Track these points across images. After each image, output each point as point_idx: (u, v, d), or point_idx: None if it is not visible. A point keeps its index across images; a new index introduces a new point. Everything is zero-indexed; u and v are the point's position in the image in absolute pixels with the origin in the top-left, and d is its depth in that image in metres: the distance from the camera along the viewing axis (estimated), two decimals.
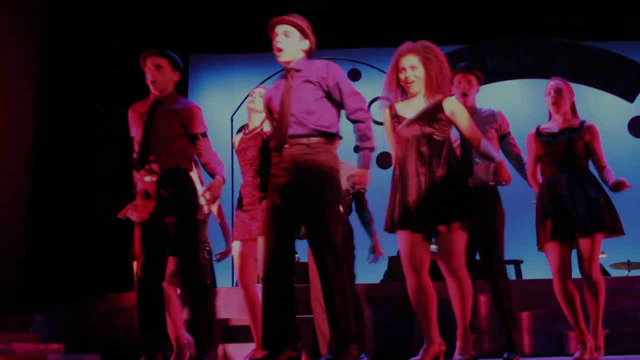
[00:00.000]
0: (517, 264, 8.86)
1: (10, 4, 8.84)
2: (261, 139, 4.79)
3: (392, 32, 10.79)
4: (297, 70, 3.92)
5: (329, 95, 3.89)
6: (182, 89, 10.73)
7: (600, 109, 10.81)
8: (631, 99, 10.27)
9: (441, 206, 3.77)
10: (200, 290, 4.26)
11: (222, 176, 4.29)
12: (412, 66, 3.95)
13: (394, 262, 7.15)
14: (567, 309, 4.61)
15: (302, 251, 4.73)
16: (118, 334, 6.74)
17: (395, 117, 4.05)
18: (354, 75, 10.47)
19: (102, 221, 9.58)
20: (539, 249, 4.70)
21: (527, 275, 8.04)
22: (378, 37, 10.79)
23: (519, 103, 10.89)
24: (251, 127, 5.06)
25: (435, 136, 3.91)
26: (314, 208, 3.70)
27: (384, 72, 10.05)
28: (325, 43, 10.44)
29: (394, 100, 4.09)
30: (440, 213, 3.78)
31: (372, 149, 3.93)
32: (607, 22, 10.68)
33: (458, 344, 4.03)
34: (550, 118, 4.76)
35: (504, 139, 4.88)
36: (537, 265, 8.84)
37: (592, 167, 4.74)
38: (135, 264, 4.57)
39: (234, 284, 7.75)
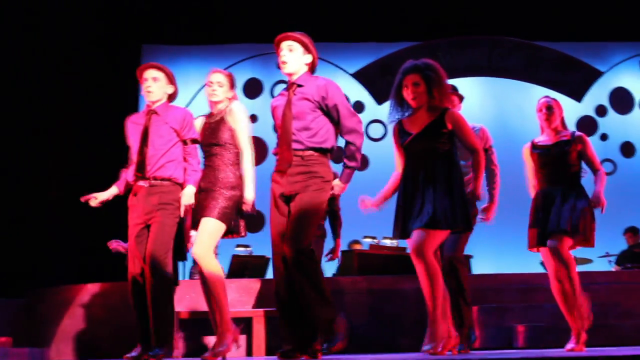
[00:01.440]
0: (467, 259, 9.01)
1: None
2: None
3: (347, 27, 10.86)
4: (299, 85, 4.23)
5: (326, 114, 4.20)
6: (133, 79, 10.69)
7: None
8: (579, 99, 10.52)
9: (439, 214, 4.05)
10: (168, 283, 4.48)
11: (194, 185, 4.51)
12: (415, 83, 4.23)
13: (346, 256, 7.25)
14: (563, 307, 4.86)
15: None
16: (66, 327, 6.66)
17: (403, 133, 4.30)
18: None
19: (52, 213, 9.45)
20: (529, 249, 5.00)
21: (476, 270, 8.17)
22: (333, 31, 10.81)
23: (471, 101, 11.01)
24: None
25: (439, 149, 4.20)
26: (298, 212, 4.05)
27: (337, 67, 10.34)
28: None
29: (401, 116, 4.36)
30: (440, 220, 4.05)
31: (355, 169, 4.27)
32: (557, 23, 10.89)
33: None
34: (542, 132, 5.10)
35: (485, 153, 5.16)
36: (487, 261, 9.04)
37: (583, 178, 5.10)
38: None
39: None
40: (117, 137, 9.90)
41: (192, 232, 4.58)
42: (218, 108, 4.64)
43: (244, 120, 4.56)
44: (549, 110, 4.98)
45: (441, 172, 4.14)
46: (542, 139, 5.03)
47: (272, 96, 10.50)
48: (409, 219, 4.15)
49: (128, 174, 4.70)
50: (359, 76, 10.27)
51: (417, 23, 10.85)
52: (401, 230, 4.20)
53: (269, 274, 7.61)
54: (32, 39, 9.52)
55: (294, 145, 4.12)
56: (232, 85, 4.68)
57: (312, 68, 4.34)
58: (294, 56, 4.24)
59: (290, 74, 4.27)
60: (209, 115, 4.68)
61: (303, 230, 4.01)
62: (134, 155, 4.60)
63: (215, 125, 4.55)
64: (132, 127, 4.68)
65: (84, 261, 9.16)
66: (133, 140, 4.64)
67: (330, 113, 4.18)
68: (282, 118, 4.20)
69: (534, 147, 5.01)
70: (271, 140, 9.35)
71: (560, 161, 4.89)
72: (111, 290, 6.55)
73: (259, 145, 10.06)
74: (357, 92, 10.48)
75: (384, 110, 10.21)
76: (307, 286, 3.96)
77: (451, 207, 4.07)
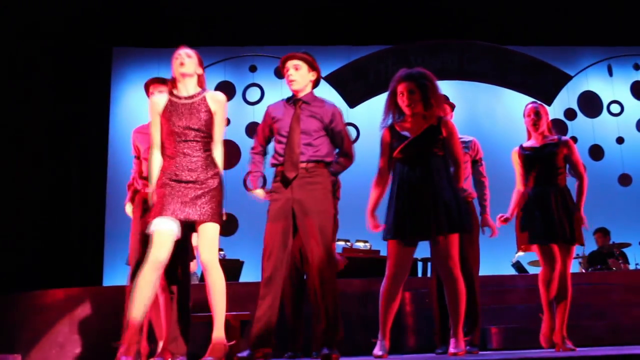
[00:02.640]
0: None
1: None
2: None
3: (318, 31, 10.86)
4: (305, 102, 4.51)
5: (329, 135, 4.51)
6: (104, 82, 10.62)
7: (520, 110, 11.09)
8: (549, 102, 10.61)
9: (441, 218, 4.22)
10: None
11: None
12: (411, 90, 4.41)
13: (232, 264, 7.25)
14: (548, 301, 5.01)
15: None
16: (38, 333, 6.57)
17: (398, 136, 4.44)
18: (281, 73, 10.45)
19: (22, 218, 9.33)
20: (518, 250, 5.14)
21: None
22: (304, 35, 10.82)
23: None
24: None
25: (435, 154, 4.38)
26: (315, 219, 4.30)
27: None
28: (252, 40, 10.50)
29: (393, 121, 4.54)
30: (440, 224, 4.22)
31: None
32: (527, 27, 11.01)
33: (452, 340, 4.35)
34: (529, 137, 5.25)
35: (475, 165, 5.40)
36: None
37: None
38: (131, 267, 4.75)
39: None
40: (89, 139, 9.90)
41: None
42: (189, 85, 4.23)
43: (225, 112, 4.33)
44: (537, 115, 5.16)
45: (441, 176, 4.30)
46: (530, 143, 5.19)
47: (244, 99, 10.47)
48: (414, 222, 4.25)
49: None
50: (331, 79, 10.26)
51: (388, 26, 10.90)
52: (404, 232, 4.28)
53: (243, 277, 7.58)
54: (1, 42, 9.41)
55: (300, 158, 4.37)
56: (201, 63, 4.38)
57: (316, 84, 4.64)
58: (300, 74, 4.51)
59: (297, 91, 4.53)
60: (174, 93, 4.21)
61: (328, 242, 4.30)
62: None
63: (193, 106, 4.13)
64: None
65: (53, 265, 9.05)
66: None
67: (334, 137, 4.50)
68: (289, 132, 4.40)
69: (523, 149, 5.15)
70: (243, 143, 9.33)
71: (549, 162, 5.05)
72: (83, 295, 6.48)
73: (232, 148, 10.05)
74: (329, 95, 10.46)
75: (356, 113, 10.26)
76: (331, 295, 4.25)
77: (459, 211, 4.27)
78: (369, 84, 10.30)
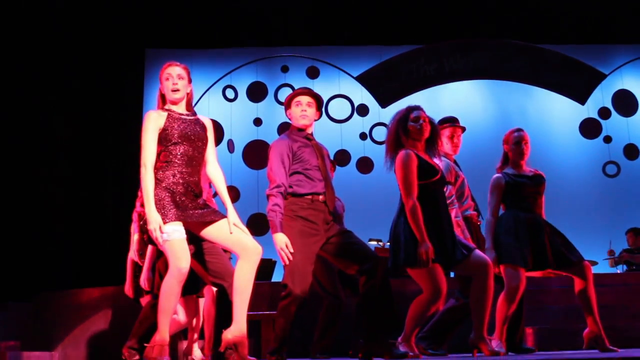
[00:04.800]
0: None
1: None
2: None
3: (350, 31, 10.88)
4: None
5: None
6: (137, 83, 10.72)
7: (553, 110, 11.06)
8: (582, 101, 10.51)
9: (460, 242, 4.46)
10: None
11: None
12: (423, 118, 4.59)
13: (264, 263, 7.27)
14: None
15: None
16: (73, 331, 6.67)
17: (425, 165, 4.52)
18: (312, 73, 10.50)
19: (57, 217, 9.47)
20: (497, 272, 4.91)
21: None
22: (336, 35, 10.85)
23: (474, 103, 11.07)
24: None
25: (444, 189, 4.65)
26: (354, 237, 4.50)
27: (341, 70, 10.36)
28: (284, 41, 10.55)
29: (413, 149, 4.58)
30: (464, 249, 4.43)
31: None
32: (561, 26, 10.91)
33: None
34: (509, 164, 5.09)
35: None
36: None
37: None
38: None
39: None
40: (121, 140, 10.00)
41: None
42: (181, 105, 4.25)
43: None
44: (527, 144, 5.05)
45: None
46: (514, 171, 5.04)
47: (276, 99, 10.51)
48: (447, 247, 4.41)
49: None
50: (362, 79, 10.26)
51: (420, 26, 10.88)
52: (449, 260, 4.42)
53: (275, 277, 7.62)
54: (36, 43, 9.55)
55: None
56: (190, 80, 4.31)
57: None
58: (312, 111, 4.63)
59: (306, 127, 4.62)
60: (170, 110, 4.19)
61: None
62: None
63: (195, 123, 4.18)
64: None
65: (89, 265, 9.17)
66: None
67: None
68: (323, 164, 4.54)
69: (510, 177, 4.99)
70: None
71: (539, 193, 4.99)
72: (118, 293, 6.56)
73: (265, 149, 10.07)
74: (361, 95, 10.49)
75: (388, 113, 10.24)
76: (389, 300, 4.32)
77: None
78: (401, 84, 10.28)
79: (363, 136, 10.58)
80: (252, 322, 5.77)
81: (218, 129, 10.04)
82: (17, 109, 9.27)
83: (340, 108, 10.49)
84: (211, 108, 10.14)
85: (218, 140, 10.19)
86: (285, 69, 10.61)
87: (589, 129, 10.89)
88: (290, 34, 10.64)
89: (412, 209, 4.35)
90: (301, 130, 4.60)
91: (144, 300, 5.44)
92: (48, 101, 9.56)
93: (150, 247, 5.13)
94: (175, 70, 4.19)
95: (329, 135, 9.61)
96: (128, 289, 5.62)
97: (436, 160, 4.71)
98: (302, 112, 4.59)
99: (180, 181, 3.96)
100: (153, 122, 4.06)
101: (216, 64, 10.58)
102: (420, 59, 10.38)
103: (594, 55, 10.88)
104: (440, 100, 10.73)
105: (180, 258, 3.80)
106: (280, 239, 4.21)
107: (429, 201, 4.42)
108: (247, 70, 10.45)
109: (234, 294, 3.94)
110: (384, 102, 10.27)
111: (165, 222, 3.82)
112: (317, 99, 4.68)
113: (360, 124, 10.60)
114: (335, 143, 10.18)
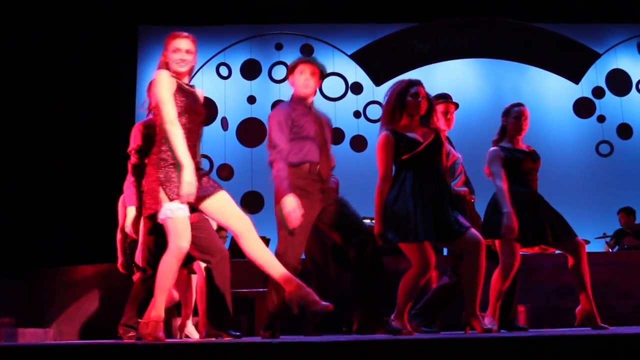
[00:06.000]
0: None
1: None
2: None
3: (344, 8, 10.82)
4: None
5: None
6: (131, 60, 10.66)
7: (547, 89, 11.06)
8: (577, 81, 10.51)
9: (455, 218, 4.27)
10: None
11: None
12: (422, 95, 4.42)
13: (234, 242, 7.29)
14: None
15: None
16: (67, 308, 6.68)
17: (405, 140, 4.35)
18: (307, 51, 10.45)
19: (52, 194, 9.45)
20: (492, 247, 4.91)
21: None
22: (330, 12, 10.78)
23: (468, 82, 11.06)
24: None
25: (442, 161, 4.42)
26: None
27: (335, 48, 10.32)
28: (278, 18, 10.49)
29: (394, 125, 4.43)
30: (457, 225, 4.25)
31: None
32: (555, 5, 10.87)
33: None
34: (506, 138, 5.01)
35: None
36: None
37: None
38: None
39: None
40: (114, 119, 9.97)
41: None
42: (185, 81, 4.15)
43: None
44: (527, 120, 4.99)
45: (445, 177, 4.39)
46: (512, 145, 4.98)
47: (270, 77, 10.47)
48: (440, 223, 4.24)
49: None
50: (357, 57, 10.23)
51: (415, 4, 10.82)
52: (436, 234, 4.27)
53: None
54: (25, 22, 9.49)
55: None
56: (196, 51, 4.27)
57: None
58: (314, 82, 4.63)
59: (308, 96, 4.62)
60: (186, 89, 4.09)
61: None
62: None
63: (195, 96, 4.11)
64: None
65: (83, 242, 9.17)
66: None
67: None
68: (321, 133, 4.57)
69: (509, 152, 4.94)
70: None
71: (536, 169, 4.96)
72: (112, 270, 6.56)
73: (259, 126, 10.11)
74: (355, 73, 10.46)
75: (382, 91, 10.20)
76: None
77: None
78: (395, 61, 10.26)
79: (357, 114, 10.57)
80: (245, 299, 5.81)
81: (212, 107, 10.02)
82: (5, 85, 9.23)
83: (334, 86, 10.46)
84: (205, 85, 10.07)
85: (212, 118, 10.19)
86: (279, 47, 10.56)
87: (583, 108, 10.90)
88: (285, 11, 10.58)
89: (378, 189, 4.31)
90: (302, 98, 4.62)
91: (136, 277, 5.44)
92: (39, 79, 9.50)
93: (143, 222, 5.07)
94: (184, 45, 4.12)
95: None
96: (120, 265, 5.62)
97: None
98: (305, 81, 4.61)
99: None
100: (170, 83, 3.95)
101: (210, 41, 10.51)
102: (415, 37, 10.35)
103: (589, 35, 10.87)
104: (434, 78, 10.68)
105: (181, 236, 3.78)
106: (290, 202, 4.19)
107: (416, 174, 4.32)
108: (241, 47, 10.40)
109: (266, 267, 3.95)
110: (378, 80, 10.25)
111: (172, 200, 3.78)
112: (322, 68, 4.70)
113: (354, 102, 10.59)
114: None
